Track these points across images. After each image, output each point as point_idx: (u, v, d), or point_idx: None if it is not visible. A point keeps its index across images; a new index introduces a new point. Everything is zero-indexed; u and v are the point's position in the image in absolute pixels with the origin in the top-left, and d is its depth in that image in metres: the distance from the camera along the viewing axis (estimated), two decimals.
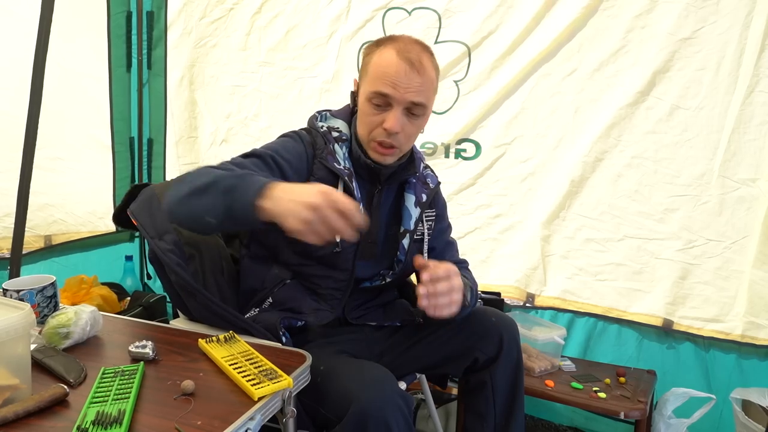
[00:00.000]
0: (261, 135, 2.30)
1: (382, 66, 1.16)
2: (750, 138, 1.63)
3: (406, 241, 1.30)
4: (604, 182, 1.84)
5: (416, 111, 1.18)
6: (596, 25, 1.78)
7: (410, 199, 1.31)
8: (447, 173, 2.00)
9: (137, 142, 2.42)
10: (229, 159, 1.16)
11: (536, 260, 1.95)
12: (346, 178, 1.21)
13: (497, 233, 2.00)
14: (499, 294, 1.94)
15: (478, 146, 1.99)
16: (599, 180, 1.84)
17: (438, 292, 1.07)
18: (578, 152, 1.84)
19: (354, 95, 1.27)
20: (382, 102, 1.17)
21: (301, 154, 1.22)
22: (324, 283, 1.26)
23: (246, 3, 2.22)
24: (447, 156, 2.03)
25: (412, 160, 1.31)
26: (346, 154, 1.25)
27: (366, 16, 2.06)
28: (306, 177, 1.21)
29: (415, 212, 1.30)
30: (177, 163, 2.43)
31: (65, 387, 0.89)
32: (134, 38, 2.31)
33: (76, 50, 2.13)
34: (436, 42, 1.96)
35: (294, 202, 0.93)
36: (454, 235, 1.46)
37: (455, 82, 1.98)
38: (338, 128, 1.27)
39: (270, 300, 1.26)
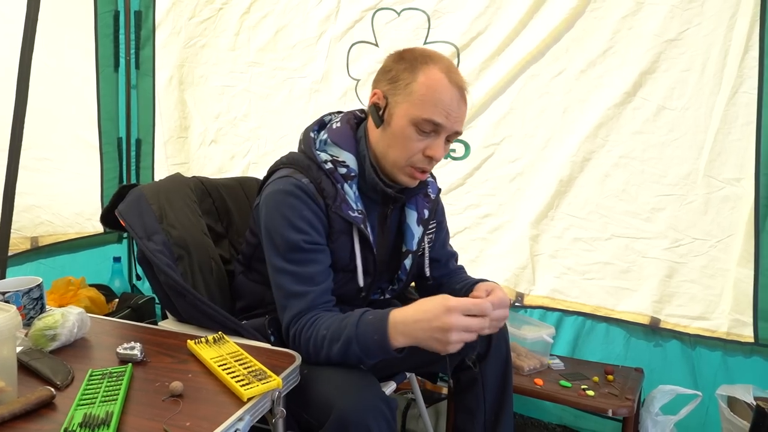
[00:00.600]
0: (250, 135, 2.30)
1: (436, 91, 1.09)
2: (734, 138, 1.65)
3: (408, 262, 1.28)
4: (591, 182, 1.85)
5: (452, 138, 1.16)
6: (584, 26, 1.79)
7: (412, 216, 1.27)
8: (436, 173, 1.98)
9: (125, 143, 2.40)
10: (276, 266, 1.12)
11: (525, 260, 1.96)
12: (360, 225, 1.15)
13: (486, 233, 2.01)
14: None
15: (467, 146, 1.99)
16: (587, 180, 1.85)
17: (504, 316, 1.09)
18: (566, 152, 1.86)
19: (377, 109, 1.14)
20: (430, 129, 1.10)
21: (316, 215, 1.12)
22: None
23: (235, 3, 2.21)
24: None
25: None
26: (357, 193, 1.17)
27: (355, 16, 2.06)
28: (327, 232, 1.15)
29: (417, 231, 1.27)
30: (166, 164, 2.42)
31: (52, 389, 0.89)
32: (122, 38, 2.30)
33: (63, 49, 2.11)
34: (425, 43, 1.97)
35: (427, 330, 0.98)
36: None
37: None
38: (344, 162, 1.16)
39: (267, 317, 1.23)
